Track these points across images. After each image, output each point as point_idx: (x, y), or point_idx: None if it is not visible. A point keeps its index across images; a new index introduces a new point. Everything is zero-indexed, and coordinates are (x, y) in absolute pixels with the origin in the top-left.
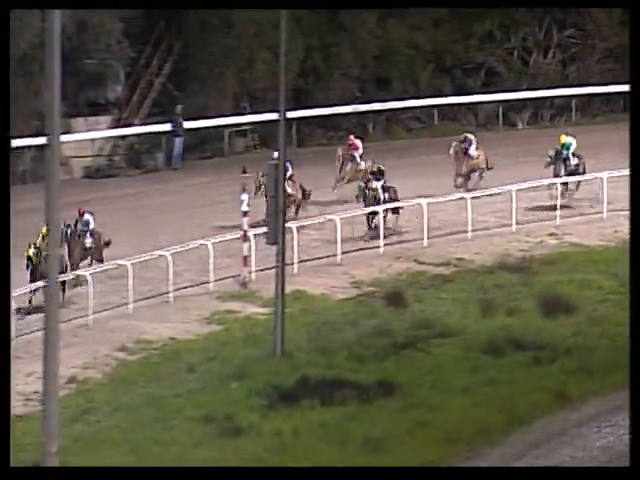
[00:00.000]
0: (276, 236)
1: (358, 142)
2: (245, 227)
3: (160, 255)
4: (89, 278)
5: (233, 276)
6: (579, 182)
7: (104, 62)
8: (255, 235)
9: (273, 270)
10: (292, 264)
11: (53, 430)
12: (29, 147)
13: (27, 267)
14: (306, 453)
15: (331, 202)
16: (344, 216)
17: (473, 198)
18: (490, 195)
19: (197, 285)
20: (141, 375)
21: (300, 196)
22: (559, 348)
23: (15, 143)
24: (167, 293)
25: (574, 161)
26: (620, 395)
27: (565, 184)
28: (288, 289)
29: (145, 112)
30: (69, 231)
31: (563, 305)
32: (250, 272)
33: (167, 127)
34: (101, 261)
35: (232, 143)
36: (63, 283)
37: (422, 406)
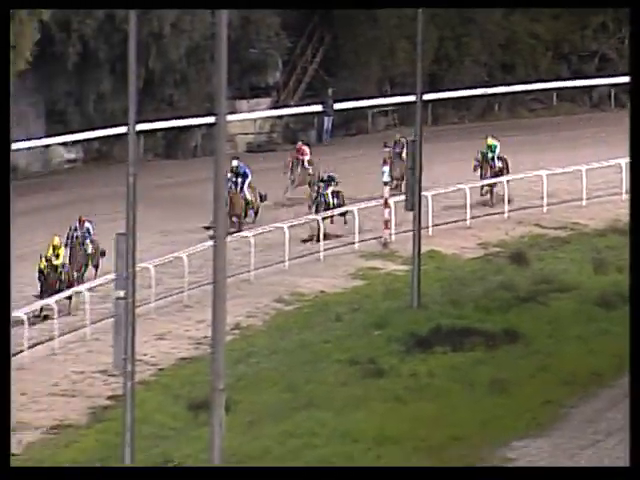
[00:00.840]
0: (413, 203)
1: (306, 148)
2: (386, 195)
3: (313, 219)
4: (252, 240)
5: (375, 238)
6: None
7: (265, 51)
8: (395, 202)
9: (410, 232)
10: (427, 227)
11: (220, 370)
12: (200, 125)
13: (38, 279)
14: (439, 393)
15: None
16: (473, 186)
17: (588, 170)
18: (603, 167)
19: (344, 245)
20: (295, 323)
21: (258, 201)
22: None
23: (188, 122)
24: (318, 252)
25: (498, 163)
26: None
27: None
28: (423, 249)
29: (300, 95)
30: (75, 235)
31: None
32: (390, 234)
33: (318, 108)
34: (96, 267)
35: (375, 122)
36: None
37: (542, 352)
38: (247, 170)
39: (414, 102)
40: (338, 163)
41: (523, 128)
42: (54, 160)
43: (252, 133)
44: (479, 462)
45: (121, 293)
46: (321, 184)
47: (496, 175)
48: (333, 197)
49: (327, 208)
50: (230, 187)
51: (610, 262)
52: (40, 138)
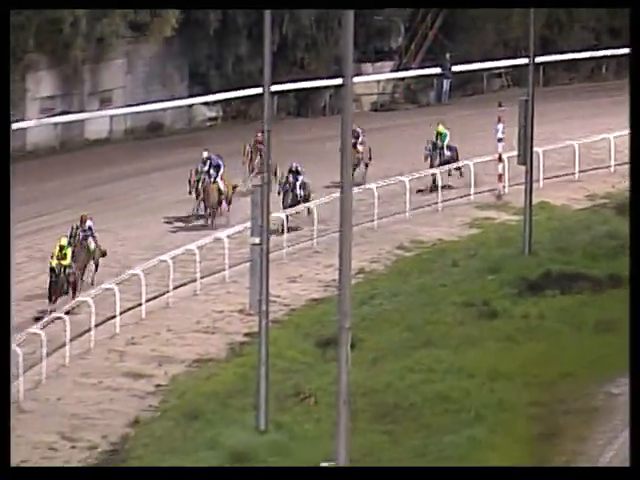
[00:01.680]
0: (525, 158)
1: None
2: (500, 150)
3: (432, 173)
4: (375, 192)
5: (490, 190)
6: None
7: (388, 18)
8: (508, 157)
9: (522, 185)
10: (538, 181)
11: (346, 310)
12: (328, 87)
13: (50, 278)
14: (549, 333)
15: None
16: (582, 142)
17: None
18: None
19: (461, 197)
20: (415, 268)
21: (231, 192)
22: None
23: (317, 83)
24: (436, 203)
25: (447, 152)
26: None
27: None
28: (534, 200)
29: (420, 58)
30: (77, 234)
31: None
32: (504, 187)
33: (437, 70)
34: (96, 266)
35: (489, 83)
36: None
37: None
38: (220, 161)
39: (526, 64)
40: (455, 121)
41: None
42: (197, 118)
43: (376, 94)
44: (586, 398)
45: (256, 240)
46: (290, 175)
47: (446, 163)
48: (301, 189)
49: (295, 200)
50: (204, 179)
51: None
52: (184, 98)
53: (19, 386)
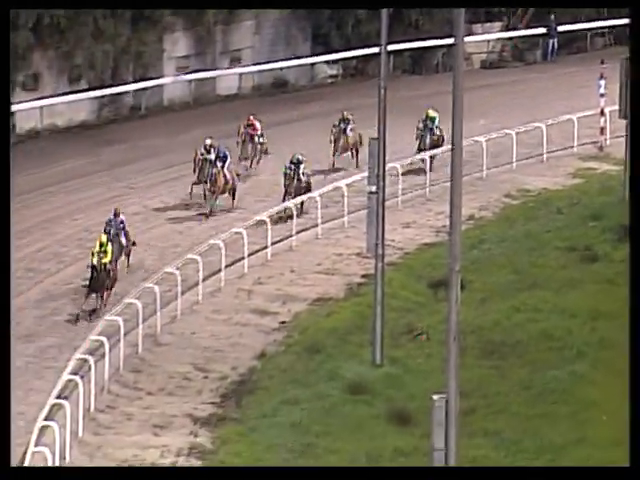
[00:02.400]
0: (626, 112)
1: (257, 123)
2: (602, 105)
3: (536, 127)
4: (484, 145)
5: (592, 142)
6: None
7: None
8: (609, 111)
9: (623, 138)
10: None
11: (456, 254)
12: (441, 46)
13: (91, 275)
14: None
15: None
16: None
17: None
18: None
19: (564, 149)
20: (521, 215)
21: (232, 184)
22: None
23: (430, 43)
24: (542, 155)
25: (437, 132)
26: None
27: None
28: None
29: (528, 19)
30: (110, 229)
31: None
32: (605, 139)
33: (543, 30)
34: (128, 256)
35: (593, 42)
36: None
37: None
38: (226, 152)
39: (626, 25)
40: (561, 78)
41: None
42: (318, 76)
43: (485, 52)
44: None
45: (373, 188)
46: (292, 166)
47: (435, 145)
48: (304, 175)
49: (299, 190)
50: (209, 168)
51: None
52: (307, 57)
53: (156, 321)
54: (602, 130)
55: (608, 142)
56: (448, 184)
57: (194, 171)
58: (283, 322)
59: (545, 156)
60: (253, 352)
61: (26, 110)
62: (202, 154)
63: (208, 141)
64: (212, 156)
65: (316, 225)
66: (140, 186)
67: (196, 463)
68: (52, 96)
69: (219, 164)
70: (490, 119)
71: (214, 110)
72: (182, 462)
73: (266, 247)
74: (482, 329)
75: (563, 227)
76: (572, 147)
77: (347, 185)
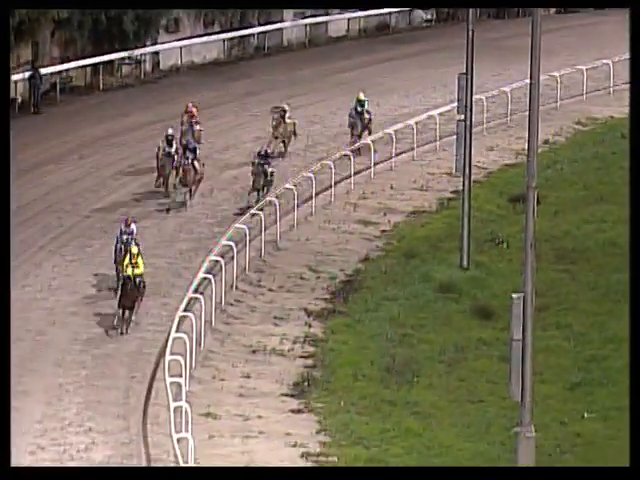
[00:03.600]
0: None
1: (194, 110)
2: None
3: (604, 63)
4: (559, 79)
5: None
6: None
7: None
8: None
9: None
10: None
11: (533, 172)
12: None
13: (126, 286)
14: None
15: None
16: None
17: None
18: None
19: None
20: (590, 140)
21: (200, 176)
22: None
23: None
24: (609, 87)
25: (367, 116)
26: None
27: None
28: None
29: None
30: (123, 238)
31: None
32: None
33: None
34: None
35: None
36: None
37: None
38: (196, 145)
39: None
40: (626, 22)
41: None
42: (415, 20)
43: None
44: None
45: (461, 117)
46: (259, 159)
47: (367, 127)
48: (269, 167)
49: (266, 182)
50: (184, 161)
51: None
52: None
53: (277, 229)
54: None
55: None
56: (527, 113)
57: (157, 167)
58: (384, 231)
59: (612, 89)
60: (358, 256)
61: (168, 49)
62: (164, 149)
63: (170, 130)
64: (173, 149)
65: (412, 149)
66: (263, 115)
67: (310, 349)
68: (190, 37)
69: (190, 156)
70: (564, 56)
71: (326, 50)
72: (298, 349)
73: (369, 167)
74: (555, 238)
75: (627, 149)
76: None
77: (439, 114)
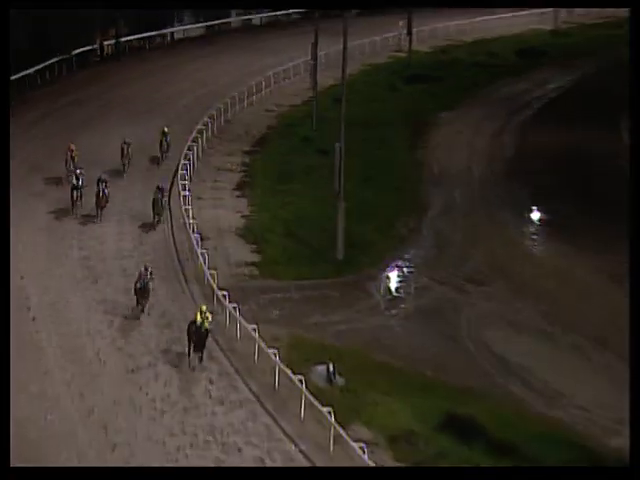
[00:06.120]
0: None
1: (72, 145)
2: None
3: None
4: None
5: None
6: None
7: None
8: None
9: None
10: None
11: (344, 88)
12: None
13: (198, 336)
14: None
15: None
16: None
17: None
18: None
19: None
20: (366, 74)
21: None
22: None
23: None
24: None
25: (166, 144)
26: None
27: None
28: None
29: None
30: (143, 280)
31: None
32: None
33: None
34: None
35: None
36: None
37: None
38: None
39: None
40: None
41: None
42: (291, 17)
43: None
44: None
45: (312, 62)
46: (100, 183)
47: (167, 151)
48: (160, 192)
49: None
50: (105, 190)
51: None
52: None
53: (231, 114)
54: None
55: None
56: (341, 61)
57: (71, 197)
58: (277, 114)
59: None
60: (265, 125)
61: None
62: (74, 184)
63: (78, 171)
64: (80, 182)
65: (290, 77)
66: None
67: (245, 168)
68: None
69: (102, 185)
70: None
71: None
72: (239, 168)
73: (270, 86)
74: (355, 116)
75: (381, 78)
76: None
77: (303, 61)
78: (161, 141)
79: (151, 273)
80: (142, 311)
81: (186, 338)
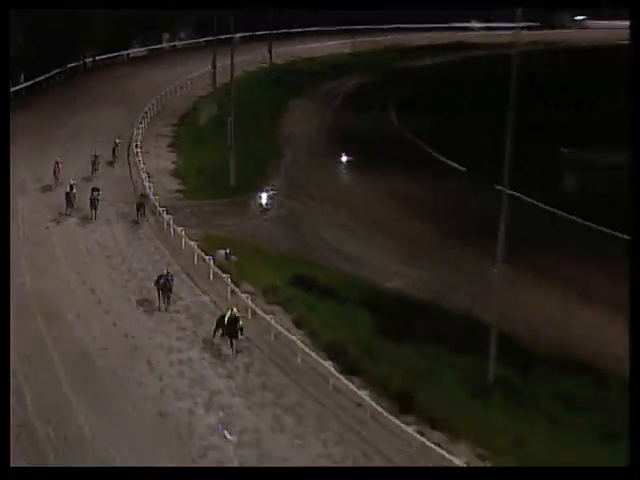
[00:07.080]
0: None
1: (59, 159)
2: None
3: None
4: None
5: None
6: None
7: None
8: None
9: None
10: None
11: (233, 81)
12: None
13: (228, 329)
14: None
15: None
16: None
17: None
18: None
19: None
20: (249, 76)
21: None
22: None
23: None
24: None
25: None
26: None
27: None
28: None
29: None
30: (162, 281)
31: None
32: None
33: None
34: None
35: None
36: None
37: None
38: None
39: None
40: None
41: None
42: (200, 43)
43: None
44: None
45: (212, 70)
46: (94, 191)
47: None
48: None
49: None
50: (96, 195)
51: None
52: None
53: (172, 101)
54: None
55: None
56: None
57: (66, 201)
58: (200, 95)
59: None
60: (187, 105)
61: None
62: (71, 191)
63: (72, 181)
64: (75, 191)
65: (200, 77)
66: None
67: (175, 135)
68: None
69: (95, 193)
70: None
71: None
72: (170, 133)
73: (187, 84)
74: (242, 104)
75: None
76: None
77: (208, 69)
78: (114, 149)
79: (171, 275)
80: (168, 304)
81: (214, 326)
